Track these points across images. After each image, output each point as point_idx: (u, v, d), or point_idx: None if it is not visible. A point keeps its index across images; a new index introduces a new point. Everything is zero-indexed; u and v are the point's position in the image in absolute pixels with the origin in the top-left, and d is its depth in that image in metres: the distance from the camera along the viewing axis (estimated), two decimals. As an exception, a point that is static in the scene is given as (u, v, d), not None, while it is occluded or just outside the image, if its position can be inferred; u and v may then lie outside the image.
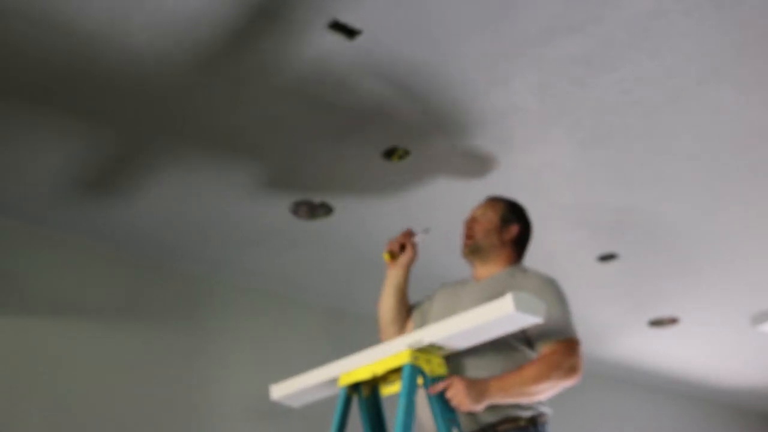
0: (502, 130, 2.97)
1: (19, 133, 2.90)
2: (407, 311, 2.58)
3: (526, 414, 2.22)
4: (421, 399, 2.16)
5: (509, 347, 2.26)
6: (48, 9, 2.33)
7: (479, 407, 2.13)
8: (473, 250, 2.48)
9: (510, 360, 2.24)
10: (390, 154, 3.08)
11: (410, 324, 2.55)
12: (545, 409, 2.28)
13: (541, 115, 2.89)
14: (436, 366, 2.14)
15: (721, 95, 2.80)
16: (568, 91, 2.76)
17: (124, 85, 2.68)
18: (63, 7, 2.33)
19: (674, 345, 5.06)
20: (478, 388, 2.12)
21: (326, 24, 2.42)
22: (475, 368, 2.22)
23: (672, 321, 4.69)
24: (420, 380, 2.12)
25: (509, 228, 2.52)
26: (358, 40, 2.49)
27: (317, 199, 3.38)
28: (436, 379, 2.13)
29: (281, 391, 2.45)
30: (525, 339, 2.28)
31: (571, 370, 2.21)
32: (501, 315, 1.97)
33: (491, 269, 2.46)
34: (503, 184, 3.31)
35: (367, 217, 3.53)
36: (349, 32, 2.46)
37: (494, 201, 2.62)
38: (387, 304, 2.56)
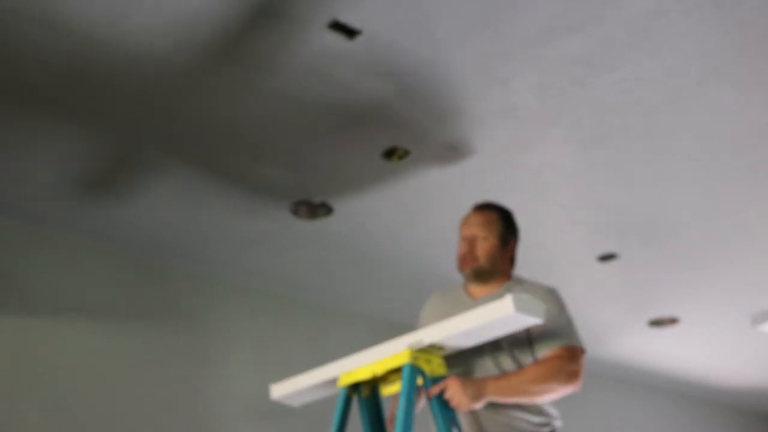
0: (502, 130, 2.97)
1: (20, 133, 2.90)
2: None
3: (543, 429, 2.25)
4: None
5: (515, 359, 2.28)
6: (48, 9, 2.33)
7: (478, 405, 2.14)
8: (477, 273, 2.44)
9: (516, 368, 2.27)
10: (390, 154, 3.08)
11: None
12: (558, 423, 2.30)
13: (541, 115, 2.89)
14: (436, 366, 2.14)
15: (721, 95, 2.80)
16: (568, 91, 2.76)
17: (124, 86, 2.68)
18: (62, 7, 2.33)
19: (674, 345, 5.06)
20: (475, 385, 2.13)
21: (326, 24, 2.42)
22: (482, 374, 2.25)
23: (672, 321, 4.69)
24: (420, 380, 2.12)
25: (508, 246, 2.51)
26: (358, 40, 2.49)
27: (317, 199, 3.38)
28: (436, 380, 2.13)
29: (281, 390, 2.45)
30: (530, 348, 2.28)
31: (571, 375, 2.22)
32: (501, 315, 1.97)
33: (491, 288, 2.46)
34: (503, 184, 3.31)
35: (367, 217, 3.53)
36: (349, 32, 2.46)
37: (490, 216, 2.51)
38: None
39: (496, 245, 2.46)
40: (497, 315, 1.98)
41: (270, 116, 2.85)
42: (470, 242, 2.46)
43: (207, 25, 2.43)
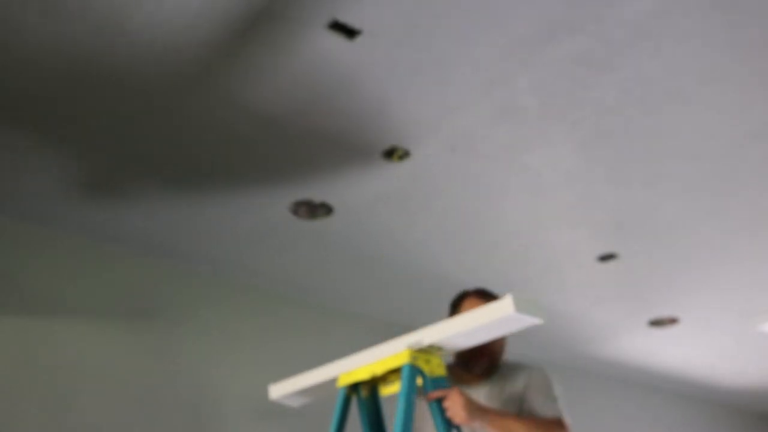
0: (502, 130, 2.97)
1: (20, 133, 2.90)
2: None
3: None
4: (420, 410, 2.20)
5: None
6: (48, 10, 2.33)
7: (473, 423, 2.15)
8: (490, 371, 2.48)
9: None
10: (390, 154, 3.08)
11: None
12: None
13: (541, 115, 2.89)
14: (435, 366, 2.14)
15: (721, 95, 2.80)
16: (568, 91, 2.76)
17: (123, 86, 2.67)
18: (62, 8, 2.33)
19: (674, 345, 5.06)
20: (476, 406, 2.17)
21: (326, 24, 2.42)
22: None
23: (672, 321, 4.69)
24: (419, 380, 2.12)
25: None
26: (358, 40, 2.49)
27: (317, 199, 3.38)
28: (436, 380, 2.13)
29: (280, 391, 2.45)
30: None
31: None
32: (501, 316, 1.97)
33: (487, 374, 2.50)
34: (503, 184, 3.31)
35: (367, 217, 3.53)
36: (349, 32, 2.46)
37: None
38: None
39: (503, 339, 2.52)
40: (497, 315, 1.98)
41: (270, 116, 2.85)
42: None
43: (207, 26, 2.42)
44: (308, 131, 2.94)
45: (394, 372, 2.16)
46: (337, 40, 2.49)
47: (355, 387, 2.26)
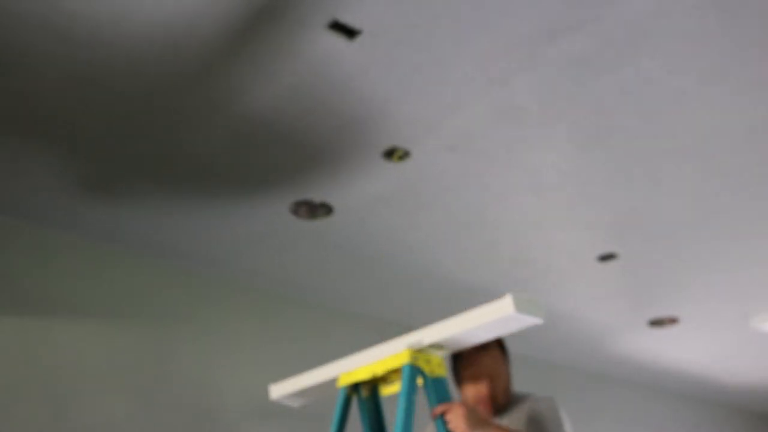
0: (502, 130, 2.97)
1: (20, 133, 2.90)
2: None
3: None
4: None
5: None
6: (48, 13, 2.33)
7: None
8: (499, 410, 2.44)
9: None
10: (390, 154, 3.08)
11: None
12: None
13: (541, 115, 2.89)
14: (435, 366, 2.14)
15: (722, 95, 2.80)
16: (568, 91, 2.76)
17: (123, 87, 2.67)
18: (62, 10, 2.33)
19: (674, 345, 5.06)
20: (479, 416, 2.14)
21: (326, 24, 2.42)
22: None
23: (672, 321, 4.69)
24: (420, 380, 2.12)
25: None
26: (358, 40, 2.49)
27: (317, 199, 3.38)
28: (436, 380, 2.13)
29: (280, 391, 2.45)
30: None
31: None
32: (501, 315, 1.97)
33: (498, 413, 2.47)
34: (503, 184, 3.31)
35: (367, 217, 3.53)
36: (349, 32, 2.46)
37: (494, 351, 2.47)
38: None
39: (507, 375, 2.50)
40: (497, 315, 1.98)
41: (270, 116, 2.85)
42: (481, 385, 2.43)
43: (207, 26, 2.42)
44: (308, 131, 2.94)
45: (395, 372, 2.17)
46: (337, 40, 2.49)
47: (355, 387, 2.26)
